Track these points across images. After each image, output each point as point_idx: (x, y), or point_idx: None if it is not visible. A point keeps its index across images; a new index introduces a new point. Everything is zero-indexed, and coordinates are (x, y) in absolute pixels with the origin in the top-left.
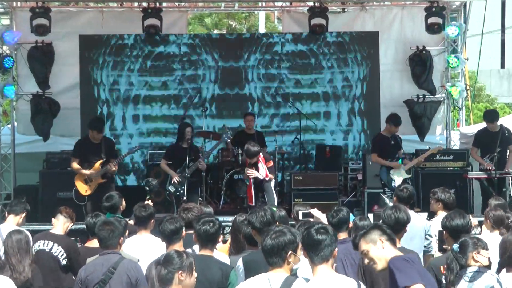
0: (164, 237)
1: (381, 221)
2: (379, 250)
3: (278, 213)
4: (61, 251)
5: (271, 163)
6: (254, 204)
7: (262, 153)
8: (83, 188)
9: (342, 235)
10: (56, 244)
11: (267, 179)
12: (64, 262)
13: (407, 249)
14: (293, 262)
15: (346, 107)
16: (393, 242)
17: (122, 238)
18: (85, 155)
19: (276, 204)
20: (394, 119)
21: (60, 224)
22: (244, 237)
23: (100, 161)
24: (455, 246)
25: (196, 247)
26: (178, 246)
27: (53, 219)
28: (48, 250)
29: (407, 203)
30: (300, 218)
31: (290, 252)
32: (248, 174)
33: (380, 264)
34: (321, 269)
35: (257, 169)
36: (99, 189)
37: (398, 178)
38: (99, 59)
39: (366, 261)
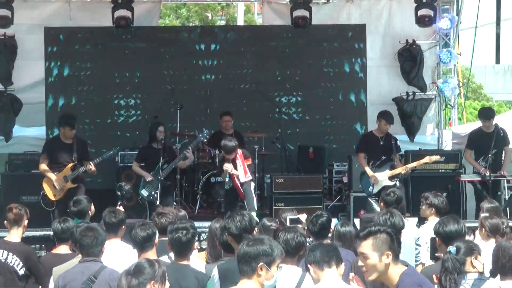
0: (135, 244)
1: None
2: (381, 263)
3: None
4: (16, 260)
5: (249, 161)
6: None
7: (241, 150)
8: (51, 193)
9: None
10: (11, 254)
11: (246, 179)
12: (21, 271)
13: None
14: (264, 277)
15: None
16: (397, 258)
17: (104, 246)
18: (55, 155)
19: (256, 208)
20: (386, 116)
21: (15, 229)
22: (221, 244)
23: (71, 164)
24: (452, 249)
25: (172, 255)
26: (151, 254)
27: (5, 222)
28: (3, 261)
29: (394, 208)
30: (288, 224)
31: (261, 263)
32: (225, 168)
33: (374, 276)
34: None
35: (235, 168)
36: (69, 194)
37: (377, 186)
38: (65, 53)
39: (360, 263)
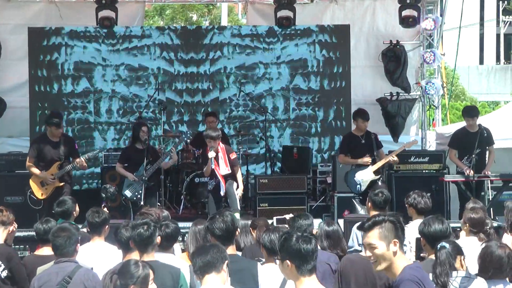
0: (120, 245)
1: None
2: (389, 252)
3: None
4: None
5: (234, 154)
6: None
7: (224, 145)
8: (38, 192)
9: None
10: None
11: (227, 172)
12: (4, 274)
13: None
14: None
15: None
16: (402, 248)
17: (78, 245)
18: (42, 154)
19: (239, 208)
20: (360, 114)
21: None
22: None
23: (58, 162)
24: (446, 244)
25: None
26: (135, 255)
27: None
28: None
29: (382, 208)
30: (275, 224)
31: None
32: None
33: (383, 265)
34: (307, 282)
35: (217, 161)
36: (56, 193)
37: (364, 181)
38: (49, 54)
39: (368, 253)
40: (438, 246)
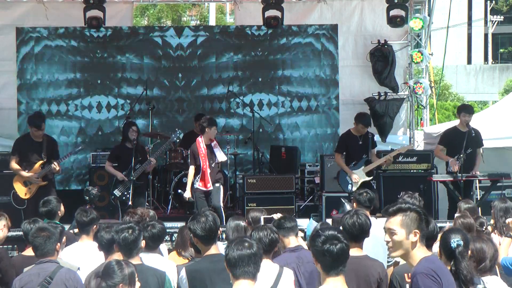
0: (101, 246)
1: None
2: (407, 241)
3: None
4: None
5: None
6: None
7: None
8: (22, 191)
9: (294, 242)
10: None
11: (224, 159)
12: None
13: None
14: None
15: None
16: (423, 239)
17: (59, 244)
18: (25, 154)
19: (221, 206)
20: (362, 119)
21: None
22: (191, 245)
23: (41, 162)
24: (459, 242)
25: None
26: (118, 256)
27: None
28: None
29: (367, 208)
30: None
31: None
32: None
33: (398, 252)
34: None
35: (212, 151)
36: (40, 192)
37: (355, 184)
38: (37, 54)
39: (387, 238)
40: (455, 244)
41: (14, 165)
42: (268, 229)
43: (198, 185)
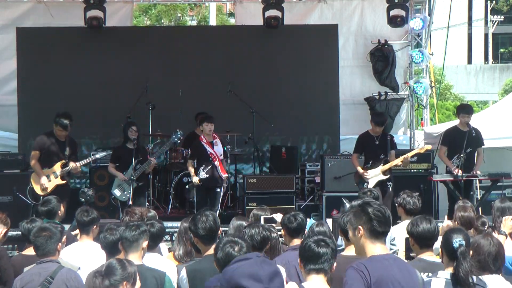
0: (103, 247)
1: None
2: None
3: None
4: None
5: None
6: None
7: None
8: (39, 187)
9: (297, 241)
10: None
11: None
12: None
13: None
14: None
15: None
16: (376, 236)
17: (60, 244)
18: (47, 151)
19: (219, 206)
20: (374, 117)
21: None
22: (191, 245)
23: (63, 161)
24: (461, 242)
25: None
26: (120, 255)
27: None
28: None
29: None
30: (262, 223)
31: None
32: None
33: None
34: (315, 279)
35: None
36: (56, 190)
37: (372, 180)
38: (38, 53)
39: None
40: (457, 244)
41: (34, 163)
42: (260, 226)
43: (203, 175)
